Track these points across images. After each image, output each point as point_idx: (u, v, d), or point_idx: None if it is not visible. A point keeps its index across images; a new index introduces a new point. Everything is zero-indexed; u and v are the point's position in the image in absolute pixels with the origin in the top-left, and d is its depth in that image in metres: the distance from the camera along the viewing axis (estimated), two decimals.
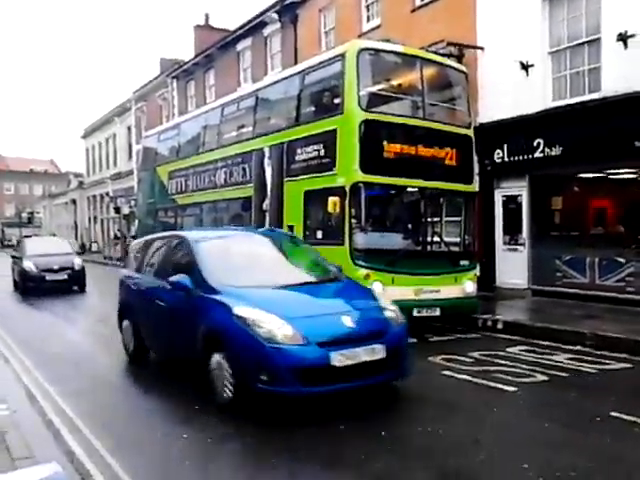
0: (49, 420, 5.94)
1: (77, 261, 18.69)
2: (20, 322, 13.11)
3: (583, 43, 12.20)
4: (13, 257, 20.23)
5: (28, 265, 17.74)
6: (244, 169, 12.81)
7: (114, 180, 40.09)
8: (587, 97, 12.02)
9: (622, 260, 11.72)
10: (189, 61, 29.05)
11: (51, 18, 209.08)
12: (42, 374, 7.86)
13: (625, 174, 12.13)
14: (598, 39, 11.80)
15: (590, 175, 12.80)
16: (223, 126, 14.42)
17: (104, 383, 7.61)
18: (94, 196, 46.31)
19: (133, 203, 30.06)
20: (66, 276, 18.02)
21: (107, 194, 40.82)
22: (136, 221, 24.04)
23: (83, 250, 45.81)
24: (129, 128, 38.03)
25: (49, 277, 17.73)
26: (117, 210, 36.02)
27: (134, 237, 27.96)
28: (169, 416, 6.24)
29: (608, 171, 12.38)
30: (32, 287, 17.70)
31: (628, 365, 7.81)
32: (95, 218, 46.67)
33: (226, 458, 5.12)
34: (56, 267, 17.85)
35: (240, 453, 5.19)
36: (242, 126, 13.82)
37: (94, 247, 44.55)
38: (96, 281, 20.84)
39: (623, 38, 11.12)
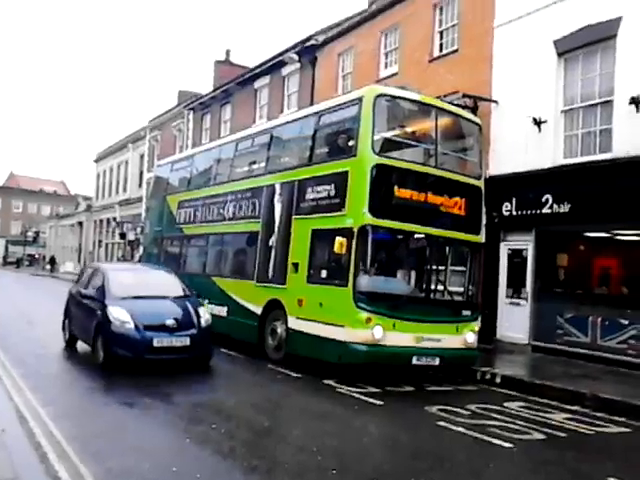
0: None
1: (203, 312, 10.44)
2: None
3: (596, 104, 12.38)
4: (80, 296, 11.54)
5: (120, 316, 9.61)
6: (254, 204, 12.88)
7: (122, 206, 40.34)
8: (597, 157, 12.14)
9: (625, 322, 11.64)
10: (207, 94, 29.54)
11: (74, 41, 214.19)
12: None
13: (631, 236, 12.14)
14: (611, 101, 11.98)
15: (597, 234, 12.82)
16: (236, 160, 14.55)
17: None
18: (101, 220, 46.56)
19: (139, 230, 30.26)
20: (188, 341, 9.69)
21: (114, 219, 41.04)
22: (141, 248, 24.11)
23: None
24: (142, 156, 38.46)
25: (158, 341, 9.50)
26: (123, 236, 36.23)
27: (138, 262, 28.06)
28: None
29: (615, 231, 12.40)
30: (126, 360, 9.56)
31: (626, 429, 7.72)
32: (100, 242, 46.83)
33: None
34: (170, 323, 9.66)
35: None
36: (255, 162, 13.95)
37: None
38: None
39: (635, 102, 11.29)
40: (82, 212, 52.45)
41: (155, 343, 9.50)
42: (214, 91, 28.80)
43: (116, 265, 12.76)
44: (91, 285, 11.38)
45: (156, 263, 17.46)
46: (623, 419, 8.10)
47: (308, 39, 21.51)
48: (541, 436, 7.02)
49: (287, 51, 22.61)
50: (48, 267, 56.19)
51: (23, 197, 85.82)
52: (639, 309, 11.52)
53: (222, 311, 13.25)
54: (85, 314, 10.94)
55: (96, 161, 49.92)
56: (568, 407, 8.66)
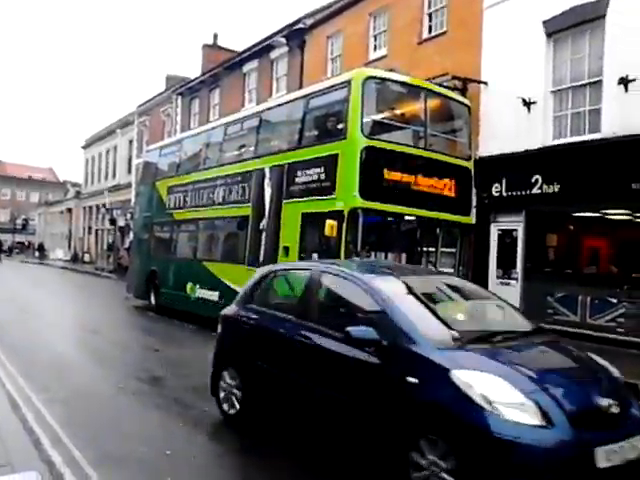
0: None
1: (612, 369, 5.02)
2: None
3: (585, 84, 12.38)
4: (288, 333, 5.73)
5: (499, 395, 4.05)
6: (243, 188, 12.86)
7: (112, 192, 40.11)
8: (587, 137, 12.16)
9: (614, 300, 11.76)
10: (195, 79, 29.30)
11: (61, 27, 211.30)
12: None
13: (620, 215, 12.23)
14: (600, 81, 11.98)
15: (586, 214, 12.89)
16: (225, 145, 14.50)
17: None
18: (90, 207, 46.28)
19: (129, 216, 30.12)
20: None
21: (104, 205, 40.81)
22: (131, 234, 24.05)
23: (75, 260, 45.77)
24: (130, 141, 38.18)
25: (605, 455, 3.94)
26: (112, 222, 36.08)
27: (127, 249, 27.98)
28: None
29: (604, 211, 12.48)
30: None
31: None
32: (90, 229, 46.58)
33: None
34: (608, 404, 4.16)
35: None
36: (244, 146, 13.91)
37: (86, 257, 44.42)
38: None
39: (624, 82, 11.29)
40: (71, 199, 52.13)
41: (600, 460, 4.01)
42: (202, 75, 28.57)
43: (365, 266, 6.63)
44: (326, 311, 5.97)
45: (147, 249, 17.47)
46: None
47: (296, 22, 21.33)
48: None
49: (275, 35, 22.43)
50: (37, 254, 55.98)
51: (11, 184, 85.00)
52: (628, 288, 11.65)
53: (213, 295, 13.27)
54: (332, 378, 5.23)
55: (84, 147, 49.51)
56: None
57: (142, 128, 36.00)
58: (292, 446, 5.75)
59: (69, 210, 52.36)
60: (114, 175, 41.27)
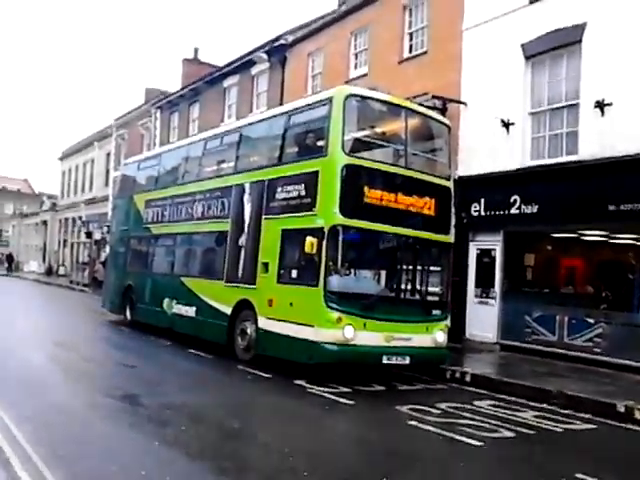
0: None
1: None
2: None
3: (563, 107, 12.58)
4: None
5: None
6: (223, 203, 12.76)
7: (88, 205, 39.68)
8: (564, 159, 12.34)
9: (591, 320, 11.86)
10: (175, 93, 29.24)
11: (38, 36, 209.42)
12: None
13: (597, 236, 12.37)
14: (577, 104, 12.18)
15: (563, 235, 13.04)
16: (205, 159, 14.41)
17: None
18: (66, 219, 45.72)
19: (105, 229, 29.79)
20: None
21: (80, 218, 40.36)
22: (107, 247, 23.74)
23: (50, 273, 45.07)
24: (108, 154, 37.88)
25: None
26: (89, 235, 35.67)
27: (103, 263, 27.62)
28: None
29: (581, 232, 12.62)
30: None
31: (592, 426, 7.84)
32: (65, 241, 45.98)
33: None
34: None
35: None
36: (223, 161, 13.83)
37: (61, 270, 43.78)
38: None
39: (600, 105, 11.50)
40: (47, 211, 51.49)
41: None
42: (182, 89, 28.52)
43: None
44: None
45: (123, 263, 17.24)
46: (589, 416, 8.23)
47: (278, 39, 21.45)
48: (510, 434, 7.09)
49: (256, 50, 22.51)
50: (6, 266, 54.91)
51: None
52: (604, 308, 11.76)
53: (190, 311, 13.11)
54: None
55: (61, 159, 49.03)
56: (536, 405, 8.77)
57: (120, 141, 35.76)
58: None
59: (44, 222, 51.67)
60: (91, 188, 40.88)
